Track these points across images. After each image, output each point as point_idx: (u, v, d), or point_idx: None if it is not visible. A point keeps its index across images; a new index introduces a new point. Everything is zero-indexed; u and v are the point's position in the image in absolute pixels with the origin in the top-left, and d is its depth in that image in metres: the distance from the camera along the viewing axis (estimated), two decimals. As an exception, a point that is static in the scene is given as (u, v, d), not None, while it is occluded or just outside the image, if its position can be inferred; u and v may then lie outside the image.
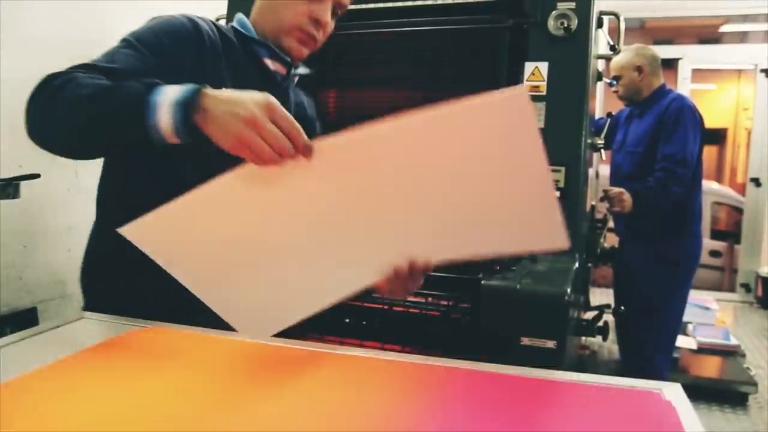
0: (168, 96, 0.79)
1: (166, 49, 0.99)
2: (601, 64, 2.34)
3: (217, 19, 1.61)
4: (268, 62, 1.11)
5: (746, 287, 5.09)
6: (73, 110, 0.87)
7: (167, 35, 1.00)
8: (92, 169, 2.07)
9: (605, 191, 2.54)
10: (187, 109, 0.77)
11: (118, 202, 1.11)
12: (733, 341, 3.46)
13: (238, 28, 1.10)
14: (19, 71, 1.81)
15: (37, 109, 0.92)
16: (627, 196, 2.47)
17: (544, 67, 1.78)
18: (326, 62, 2.01)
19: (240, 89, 0.80)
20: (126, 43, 1.00)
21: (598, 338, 2.13)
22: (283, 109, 0.78)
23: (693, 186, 2.61)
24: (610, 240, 2.67)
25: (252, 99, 0.75)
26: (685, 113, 2.52)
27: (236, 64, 1.07)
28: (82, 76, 0.90)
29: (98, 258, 1.08)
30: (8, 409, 0.57)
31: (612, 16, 2.03)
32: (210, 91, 0.79)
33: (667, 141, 2.52)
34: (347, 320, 1.76)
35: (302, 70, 1.21)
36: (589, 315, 2.46)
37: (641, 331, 2.69)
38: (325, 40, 1.19)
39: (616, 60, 2.69)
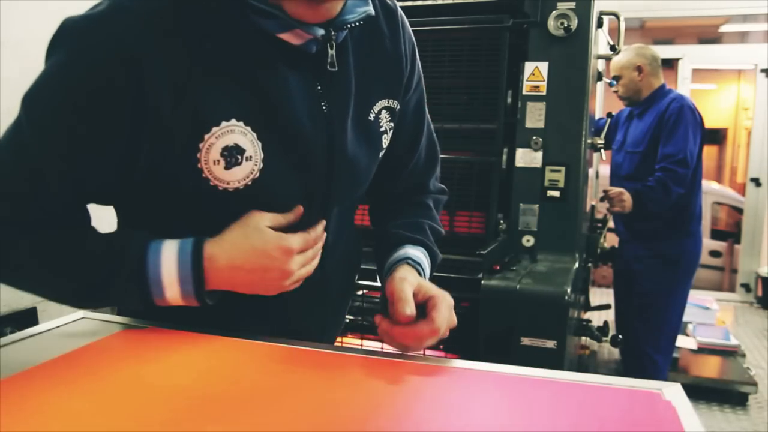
0: (170, 273, 0.70)
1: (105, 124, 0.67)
2: (601, 64, 2.34)
3: None
4: (290, 38, 0.72)
5: (746, 287, 5.09)
6: (50, 284, 0.76)
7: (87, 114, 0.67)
8: (92, 169, 2.07)
9: (605, 191, 2.54)
10: (198, 287, 0.71)
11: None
12: (733, 341, 3.46)
13: None
14: (19, 71, 1.81)
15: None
16: (627, 196, 2.47)
17: (544, 67, 1.79)
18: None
19: (250, 87, 0.70)
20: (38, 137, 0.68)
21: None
22: (302, 240, 0.74)
23: (693, 186, 2.61)
24: (610, 240, 2.68)
25: (266, 258, 0.72)
26: (685, 113, 2.52)
27: (237, 56, 0.70)
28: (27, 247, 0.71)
29: None
30: (8, 408, 0.57)
31: (612, 16, 2.04)
32: (211, 255, 0.71)
33: (667, 141, 2.52)
34: (347, 320, 1.76)
35: (352, 14, 0.75)
36: (589, 314, 2.46)
37: (641, 331, 2.69)
38: None
39: (616, 60, 2.69)
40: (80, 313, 0.91)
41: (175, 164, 0.69)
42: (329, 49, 0.75)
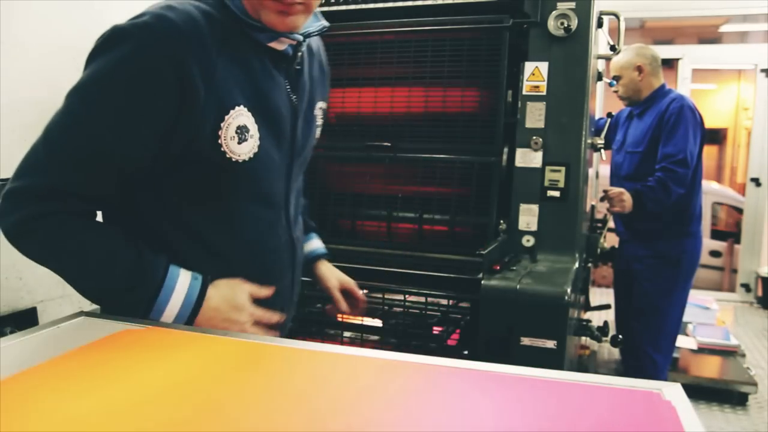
0: (174, 307, 0.90)
1: (147, 119, 0.86)
2: (601, 64, 2.34)
3: None
4: (275, 45, 0.96)
5: (746, 287, 5.09)
6: (72, 275, 0.91)
7: (139, 108, 0.85)
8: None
9: (605, 191, 2.54)
10: (191, 315, 0.91)
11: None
12: (733, 341, 3.46)
13: (233, 9, 0.92)
14: (19, 71, 1.81)
15: (27, 252, 0.91)
16: (627, 196, 2.47)
17: (544, 67, 1.78)
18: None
19: (248, 83, 0.92)
20: (96, 142, 0.86)
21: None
22: (262, 314, 0.98)
23: (693, 186, 2.61)
24: (610, 240, 2.68)
25: (243, 312, 0.96)
26: (685, 113, 2.52)
27: (240, 58, 0.92)
28: (72, 231, 0.89)
29: None
30: (8, 408, 0.57)
31: (612, 16, 2.03)
32: (209, 297, 0.93)
33: (667, 141, 2.52)
34: (347, 320, 1.76)
35: (313, 27, 1.01)
36: (589, 314, 2.46)
37: (641, 331, 2.69)
38: None
39: (616, 60, 2.69)
40: (80, 313, 0.91)
41: (203, 140, 0.88)
42: (298, 54, 1.00)
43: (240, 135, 0.90)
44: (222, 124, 0.88)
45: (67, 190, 0.87)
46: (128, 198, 0.94)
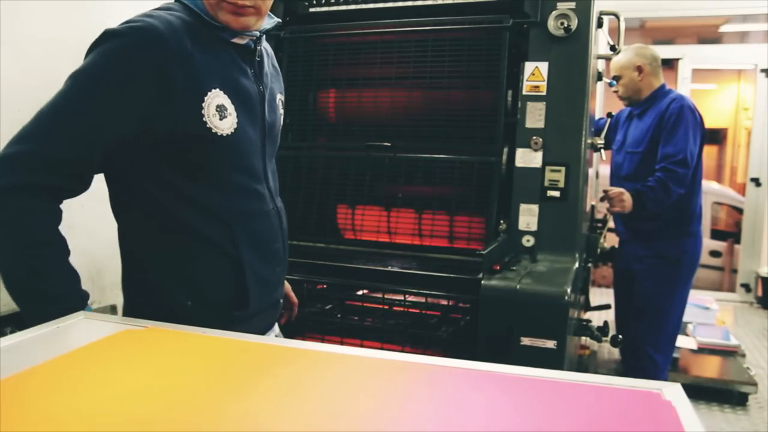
0: None
1: (129, 104, 1.01)
2: (601, 64, 2.34)
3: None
4: (237, 40, 1.12)
5: (746, 287, 5.09)
6: (11, 267, 0.99)
7: (124, 90, 1.00)
8: (92, 169, 2.07)
9: (605, 191, 2.54)
10: None
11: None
12: (733, 341, 3.46)
13: (199, 12, 1.08)
14: (19, 71, 1.81)
15: None
16: (627, 196, 2.47)
17: (544, 67, 1.78)
18: (326, 62, 2.01)
19: (220, 71, 1.07)
20: (79, 108, 1.01)
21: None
22: None
23: (693, 186, 2.61)
24: (610, 240, 2.68)
25: None
26: (685, 113, 2.52)
27: (212, 52, 1.08)
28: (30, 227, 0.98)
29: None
30: (8, 408, 0.57)
31: (612, 16, 2.03)
32: None
33: (667, 142, 2.51)
34: (347, 320, 1.76)
35: (268, 24, 1.19)
36: (589, 314, 2.46)
37: (641, 331, 2.68)
38: None
39: (616, 60, 2.69)
40: (80, 313, 0.91)
41: (188, 119, 1.03)
42: (258, 48, 1.17)
43: (220, 113, 1.06)
44: (203, 104, 1.03)
45: (50, 160, 0.98)
46: (140, 189, 1.07)
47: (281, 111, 1.29)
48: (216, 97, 1.06)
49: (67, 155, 0.99)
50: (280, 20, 1.24)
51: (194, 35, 1.05)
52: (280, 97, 1.28)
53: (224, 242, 1.09)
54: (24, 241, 0.97)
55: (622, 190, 2.49)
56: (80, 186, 1.04)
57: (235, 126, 1.08)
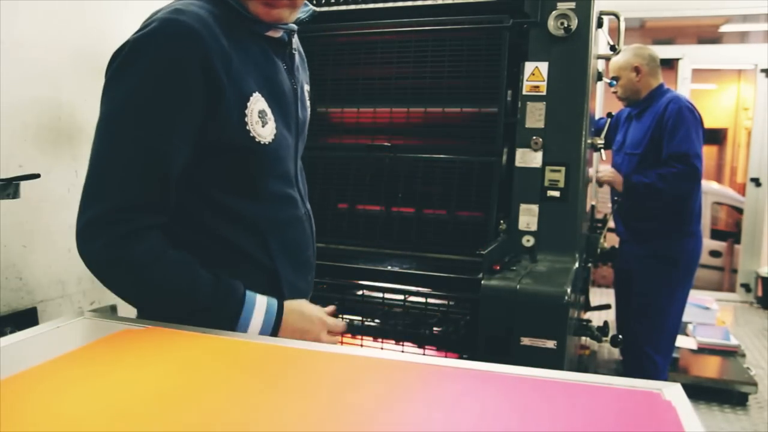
0: (254, 326, 0.95)
1: (182, 115, 0.91)
2: (601, 64, 2.34)
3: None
4: (272, 33, 1.03)
5: (746, 287, 5.09)
6: (158, 301, 0.94)
7: (176, 107, 0.90)
8: (92, 169, 2.07)
9: (597, 177, 2.60)
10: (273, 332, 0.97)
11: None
12: (733, 341, 3.46)
13: (232, 3, 0.97)
14: (20, 71, 1.81)
15: (114, 284, 0.93)
16: (615, 174, 2.57)
17: (544, 67, 1.78)
18: (327, 62, 2.01)
19: (256, 70, 0.98)
20: (143, 150, 0.90)
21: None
22: (334, 322, 1.06)
23: (698, 186, 2.62)
24: (610, 240, 2.68)
25: (317, 322, 1.02)
26: (683, 114, 2.53)
27: (246, 48, 0.98)
28: (162, 263, 0.92)
29: None
30: (8, 408, 0.57)
31: (612, 16, 2.03)
32: (286, 318, 0.98)
33: (671, 141, 2.52)
34: (347, 320, 1.76)
35: (303, 14, 1.10)
36: (589, 314, 2.46)
37: (640, 331, 2.69)
38: None
39: (615, 61, 2.69)
40: (80, 313, 0.91)
41: (232, 128, 0.94)
42: (292, 39, 1.08)
43: (262, 119, 0.98)
44: (246, 111, 0.95)
45: (134, 207, 0.90)
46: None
47: (308, 102, 1.19)
48: (257, 102, 0.97)
49: (150, 196, 0.91)
50: (314, 8, 1.14)
51: (227, 30, 0.94)
52: (307, 89, 1.19)
53: (259, 253, 1.01)
54: (152, 282, 0.91)
55: (611, 169, 2.59)
56: (171, 204, 0.95)
57: (275, 132, 1.00)
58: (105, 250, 0.88)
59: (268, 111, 0.99)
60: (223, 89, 0.91)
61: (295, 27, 1.05)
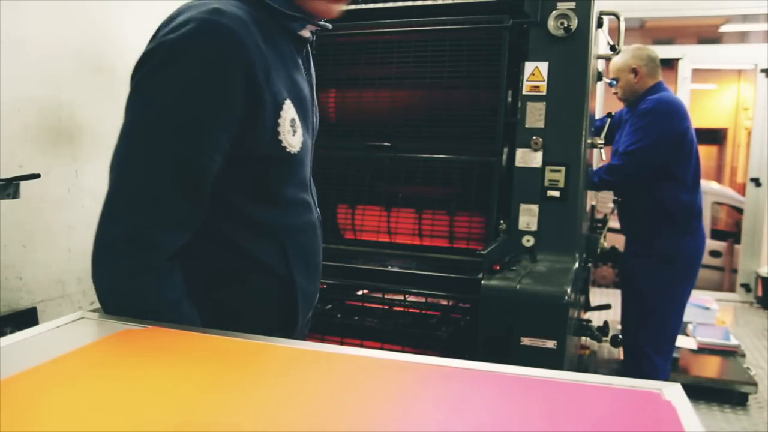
0: None
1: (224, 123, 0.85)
2: (601, 64, 2.34)
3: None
4: (304, 32, 0.99)
5: (746, 287, 5.09)
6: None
7: (222, 115, 0.84)
8: (92, 170, 2.08)
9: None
10: None
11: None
12: (733, 341, 3.46)
13: (271, 2, 0.92)
14: (20, 71, 1.81)
15: (123, 307, 0.86)
16: None
17: (544, 67, 1.78)
18: (326, 62, 2.01)
19: (286, 74, 0.93)
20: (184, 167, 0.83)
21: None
22: None
23: (693, 184, 2.62)
24: (610, 240, 2.68)
25: None
26: (649, 115, 2.55)
27: (278, 50, 0.93)
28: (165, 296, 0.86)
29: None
30: (8, 408, 0.57)
31: (612, 16, 2.03)
32: None
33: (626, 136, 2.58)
34: (348, 320, 1.77)
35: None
36: (589, 314, 2.46)
37: (640, 331, 2.69)
38: None
39: (613, 62, 2.69)
40: (80, 313, 0.91)
41: (267, 138, 0.89)
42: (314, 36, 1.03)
43: (292, 127, 0.92)
44: (279, 120, 0.90)
45: (162, 227, 0.84)
46: None
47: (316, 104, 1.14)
48: (289, 110, 0.91)
49: (180, 214, 0.85)
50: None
51: (263, 31, 0.88)
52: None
53: (274, 260, 0.96)
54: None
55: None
56: (200, 222, 0.89)
57: (302, 140, 0.95)
58: (125, 280, 0.83)
59: (297, 118, 0.94)
60: (262, 97, 0.86)
61: (329, 26, 1.01)
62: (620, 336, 2.30)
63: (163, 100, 0.82)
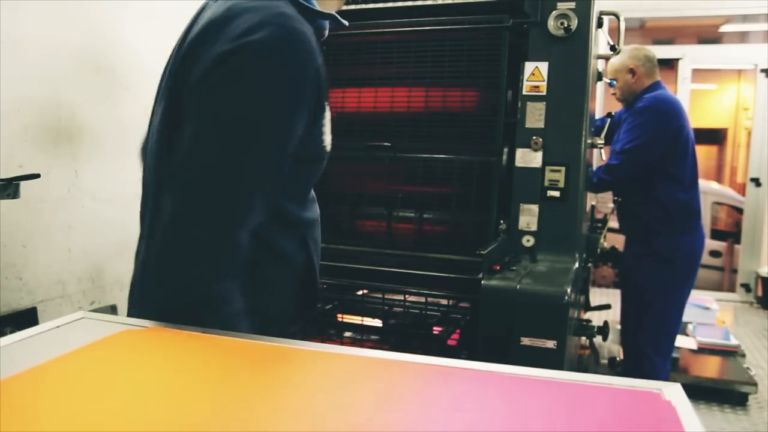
0: None
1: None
2: (601, 64, 2.34)
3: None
4: (325, 32, 1.03)
5: (746, 287, 5.09)
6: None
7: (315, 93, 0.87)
8: (92, 170, 2.08)
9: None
10: None
11: None
12: (733, 341, 3.46)
13: (307, 4, 0.94)
14: (19, 71, 1.81)
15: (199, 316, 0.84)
16: None
17: (544, 67, 1.78)
18: (326, 62, 2.01)
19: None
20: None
21: (598, 338, 2.12)
22: None
23: (690, 183, 2.62)
24: (610, 240, 2.68)
25: None
26: (643, 115, 2.56)
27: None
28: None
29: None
30: (8, 408, 0.57)
31: (612, 16, 2.03)
32: None
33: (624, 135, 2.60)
34: (348, 320, 1.77)
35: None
36: (589, 314, 2.46)
37: (639, 331, 2.69)
38: None
39: (611, 63, 2.70)
40: (80, 313, 0.91)
41: (318, 139, 0.91)
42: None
43: (330, 126, 0.95)
44: (324, 121, 0.91)
45: (245, 232, 0.84)
46: None
47: None
48: (327, 110, 0.93)
49: (257, 216, 0.86)
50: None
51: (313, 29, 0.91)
52: None
53: (298, 253, 0.97)
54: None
55: None
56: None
57: (331, 138, 0.96)
58: (216, 285, 0.82)
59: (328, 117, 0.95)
60: (323, 101, 0.88)
61: (346, 23, 1.06)
62: (618, 358, 2.33)
63: (252, 101, 0.81)
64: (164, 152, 0.89)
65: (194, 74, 0.85)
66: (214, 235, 0.82)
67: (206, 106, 0.83)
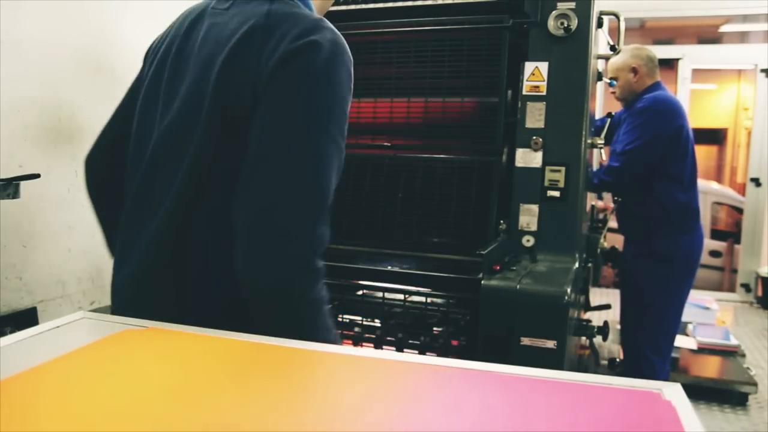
0: None
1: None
2: (601, 64, 2.34)
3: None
4: None
5: (746, 287, 5.09)
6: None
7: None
8: (92, 169, 2.07)
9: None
10: None
11: None
12: (733, 341, 3.46)
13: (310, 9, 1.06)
14: (19, 71, 1.81)
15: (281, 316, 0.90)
16: None
17: (544, 67, 1.78)
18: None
19: None
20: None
21: (598, 338, 2.12)
22: None
23: (689, 183, 2.62)
24: (610, 240, 2.68)
25: None
26: (642, 115, 2.55)
27: None
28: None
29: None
30: (8, 408, 0.57)
31: (612, 16, 2.04)
32: None
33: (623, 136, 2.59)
34: (348, 320, 1.77)
35: None
36: (589, 314, 2.46)
37: (638, 331, 2.69)
38: None
39: (612, 62, 2.70)
40: (80, 313, 0.91)
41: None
42: None
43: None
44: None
45: (326, 220, 0.90)
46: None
47: None
48: None
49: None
50: None
51: None
52: None
53: None
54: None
55: None
56: None
57: None
58: (318, 287, 0.88)
59: None
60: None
61: None
62: (618, 359, 2.33)
63: (326, 91, 0.90)
64: (209, 154, 0.92)
65: (247, 76, 0.89)
66: (313, 217, 0.87)
67: (282, 101, 0.89)
